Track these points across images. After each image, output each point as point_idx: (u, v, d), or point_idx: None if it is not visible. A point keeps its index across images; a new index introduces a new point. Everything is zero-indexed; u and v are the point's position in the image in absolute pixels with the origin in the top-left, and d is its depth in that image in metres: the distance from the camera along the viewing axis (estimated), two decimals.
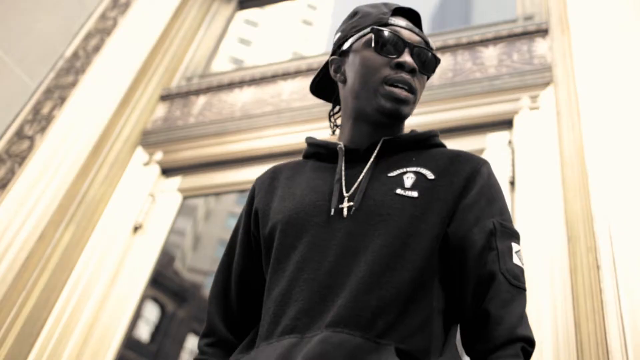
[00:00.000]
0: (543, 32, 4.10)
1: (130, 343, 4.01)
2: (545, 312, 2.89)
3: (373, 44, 1.85)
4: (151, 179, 4.38)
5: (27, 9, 4.78)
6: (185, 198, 4.36)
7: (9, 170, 4.08)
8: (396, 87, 1.81)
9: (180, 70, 5.20)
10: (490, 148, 3.69)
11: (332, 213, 1.72)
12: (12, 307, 3.54)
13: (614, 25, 3.50)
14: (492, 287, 1.59)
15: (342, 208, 1.72)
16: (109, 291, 3.85)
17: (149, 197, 4.28)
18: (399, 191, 1.72)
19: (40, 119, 4.41)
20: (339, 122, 2.07)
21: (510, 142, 3.66)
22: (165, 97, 4.91)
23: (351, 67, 1.93)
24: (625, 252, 2.64)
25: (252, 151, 4.27)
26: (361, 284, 1.56)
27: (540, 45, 4.03)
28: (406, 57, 1.83)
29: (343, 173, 1.82)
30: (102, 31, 5.07)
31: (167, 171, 4.47)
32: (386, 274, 1.58)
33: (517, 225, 3.23)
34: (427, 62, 1.89)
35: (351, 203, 1.72)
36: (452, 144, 3.85)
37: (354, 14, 2.01)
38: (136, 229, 4.12)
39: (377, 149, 1.84)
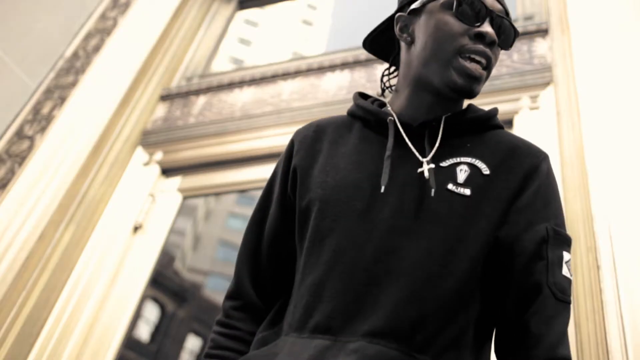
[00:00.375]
0: (543, 32, 4.10)
1: (130, 343, 4.01)
2: None
3: (455, 7, 1.65)
4: (151, 179, 4.38)
5: (27, 9, 4.78)
6: (185, 198, 4.36)
7: (9, 170, 4.08)
8: (472, 60, 1.63)
9: (180, 70, 5.20)
10: None
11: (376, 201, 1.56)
12: (12, 307, 3.54)
13: (614, 25, 3.50)
14: (537, 300, 1.47)
15: (381, 197, 1.56)
16: (109, 291, 3.85)
17: (149, 197, 4.28)
18: (450, 186, 1.56)
19: (40, 119, 4.41)
20: (393, 82, 1.89)
21: None
22: (165, 97, 4.91)
23: (423, 28, 1.71)
24: (625, 252, 2.65)
25: (252, 151, 4.27)
26: (403, 292, 1.45)
27: (540, 45, 4.03)
28: (487, 28, 1.64)
29: (392, 153, 1.61)
30: (102, 31, 5.07)
31: (167, 171, 4.47)
32: (429, 284, 1.46)
33: None
34: (507, 35, 1.71)
35: (390, 197, 1.56)
36: None
37: None
38: (136, 229, 4.12)
39: (441, 130, 1.66)
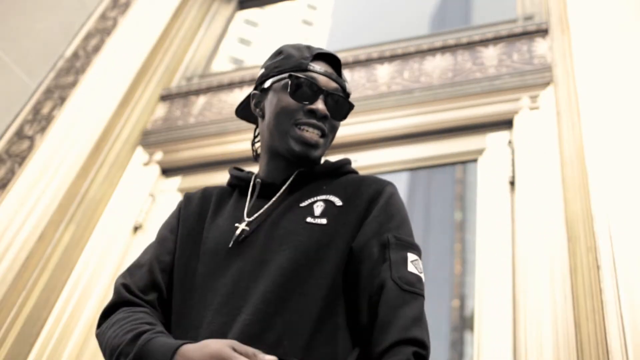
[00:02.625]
0: (543, 32, 4.10)
1: None
2: (546, 311, 2.89)
3: (289, 89, 1.96)
4: (151, 179, 4.38)
5: (27, 9, 4.78)
6: None
7: (9, 170, 4.08)
8: (307, 131, 1.94)
9: (180, 70, 5.21)
10: (490, 148, 3.70)
11: (230, 244, 1.84)
12: (12, 307, 3.54)
13: (613, 25, 3.50)
14: (382, 294, 1.67)
15: (242, 236, 1.84)
16: (109, 291, 3.84)
17: (149, 197, 4.28)
18: (309, 219, 1.82)
19: (40, 119, 4.42)
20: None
21: (510, 142, 3.66)
22: (165, 97, 4.91)
23: (269, 105, 2.03)
24: (625, 252, 2.65)
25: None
26: (267, 305, 1.65)
27: (540, 45, 4.03)
28: (319, 105, 1.94)
29: (248, 204, 1.95)
30: (102, 31, 5.08)
31: (167, 171, 4.48)
32: (292, 298, 1.67)
33: (517, 225, 3.24)
34: (339, 109, 2.00)
35: (247, 228, 1.85)
36: (453, 144, 3.87)
37: (278, 53, 2.12)
38: (136, 228, 4.12)
39: (289, 181, 1.95)
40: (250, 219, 1.88)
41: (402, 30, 5.11)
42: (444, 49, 4.28)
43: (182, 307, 1.82)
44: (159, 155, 4.51)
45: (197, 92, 4.85)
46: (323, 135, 1.97)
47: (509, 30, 4.21)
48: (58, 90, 4.61)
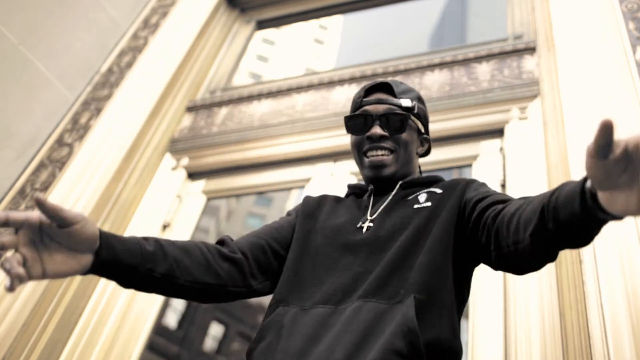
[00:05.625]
0: (531, 49, 4.10)
1: (159, 329, 4.01)
2: (533, 302, 2.89)
3: (346, 127, 2.14)
4: (178, 182, 4.40)
5: (67, 29, 4.80)
6: (209, 199, 4.37)
7: (51, 175, 4.10)
8: (372, 155, 2.07)
9: (204, 84, 5.22)
10: (483, 154, 3.70)
11: (362, 226, 1.93)
12: (54, 297, 3.56)
13: (594, 43, 3.49)
14: (506, 203, 1.71)
15: (365, 225, 1.92)
16: None
17: (176, 198, 4.29)
18: (416, 206, 1.91)
19: (78, 128, 4.43)
20: None
21: (501, 149, 3.66)
22: (191, 109, 4.93)
23: None
24: (605, 248, 2.64)
25: (269, 157, 4.28)
26: (386, 268, 1.73)
27: (528, 62, 4.03)
28: (373, 130, 2.06)
29: (371, 201, 2.04)
30: (134, 49, 5.09)
31: (193, 175, 4.49)
32: (407, 259, 1.74)
33: None
34: (395, 124, 2.07)
35: (371, 224, 1.92)
36: (449, 150, 3.87)
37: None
38: (165, 227, 4.13)
39: (395, 189, 2.04)
40: (372, 216, 1.96)
41: (404, 48, 5.12)
42: (441, 65, 4.28)
43: (299, 265, 1.91)
44: (185, 160, 4.52)
45: (220, 104, 4.86)
46: (392, 153, 2.07)
47: (500, 48, 4.21)
48: (94, 102, 4.63)
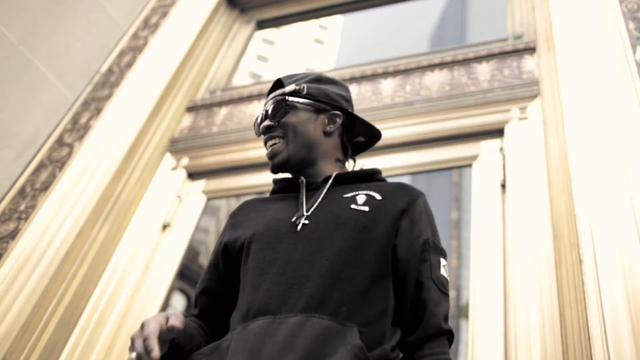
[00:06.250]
0: (531, 49, 4.10)
1: None
2: (533, 302, 2.89)
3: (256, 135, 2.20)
4: (178, 182, 4.39)
5: (67, 29, 4.80)
6: (209, 199, 4.36)
7: (50, 174, 4.09)
8: (266, 149, 2.11)
9: (204, 84, 5.21)
10: (483, 154, 3.70)
11: (297, 223, 1.89)
12: (54, 297, 3.55)
13: (594, 43, 3.49)
14: (423, 291, 1.78)
15: (300, 222, 1.88)
16: (141, 283, 3.86)
17: (176, 198, 4.29)
18: (353, 206, 1.89)
19: (78, 128, 4.43)
20: None
21: (501, 149, 3.66)
22: (191, 109, 4.92)
23: None
24: (605, 248, 2.64)
25: None
26: (325, 278, 1.72)
27: (528, 62, 4.03)
28: (262, 125, 2.12)
29: (304, 196, 1.99)
30: (134, 49, 5.09)
31: (193, 175, 4.48)
32: (345, 271, 1.74)
33: (507, 224, 3.24)
34: (275, 110, 2.10)
35: (307, 222, 1.88)
36: (450, 150, 3.87)
37: None
38: (165, 227, 4.13)
39: (330, 181, 2.03)
40: (308, 212, 1.93)
41: (404, 48, 5.12)
42: (441, 65, 4.28)
43: (245, 277, 1.89)
44: (185, 160, 4.51)
45: (220, 104, 4.86)
46: (280, 139, 2.08)
47: (500, 48, 4.21)
48: (94, 102, 4.63)
